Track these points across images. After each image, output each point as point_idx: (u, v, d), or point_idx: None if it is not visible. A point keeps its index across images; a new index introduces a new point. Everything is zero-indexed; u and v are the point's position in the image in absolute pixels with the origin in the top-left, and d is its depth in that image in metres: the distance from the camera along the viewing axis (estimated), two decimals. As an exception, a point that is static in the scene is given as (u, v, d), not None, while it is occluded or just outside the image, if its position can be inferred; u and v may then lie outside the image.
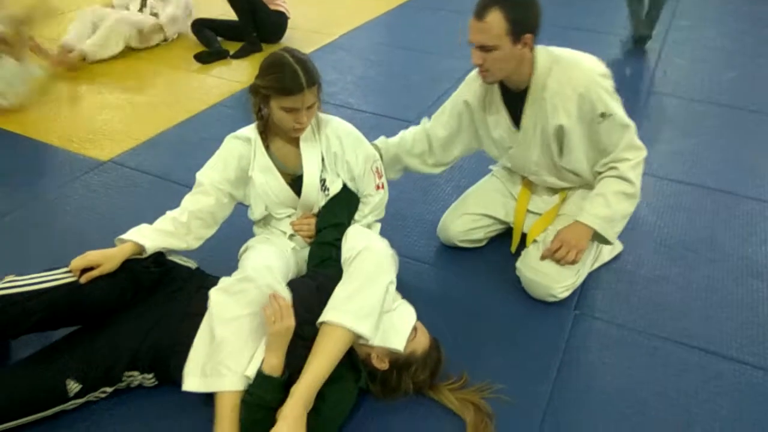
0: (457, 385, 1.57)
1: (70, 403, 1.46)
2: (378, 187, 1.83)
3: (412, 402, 1.54)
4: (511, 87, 1.79)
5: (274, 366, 1.38)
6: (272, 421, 1.33)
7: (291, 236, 1.79)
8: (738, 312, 1.86)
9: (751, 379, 1.64)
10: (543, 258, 1.82)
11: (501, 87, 1.83)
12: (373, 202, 1.83)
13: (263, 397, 1.36)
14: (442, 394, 1.55)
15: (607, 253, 2.03)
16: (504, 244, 2.07)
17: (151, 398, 1.54)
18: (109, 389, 1.51)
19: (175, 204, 1.68)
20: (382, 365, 1.50)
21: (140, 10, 3.76)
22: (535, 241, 1.90)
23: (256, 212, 1.79)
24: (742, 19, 4.68)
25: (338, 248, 1.63)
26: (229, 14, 3.76)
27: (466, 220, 2.04)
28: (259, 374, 1.37)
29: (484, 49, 1.65)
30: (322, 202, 1.77)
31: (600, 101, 1.70)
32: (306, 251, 1.76)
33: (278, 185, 1.73)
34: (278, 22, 3.82)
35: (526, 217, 2.01)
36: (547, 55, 1.74)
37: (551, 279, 1.81)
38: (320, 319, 1.45)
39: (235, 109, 3.05)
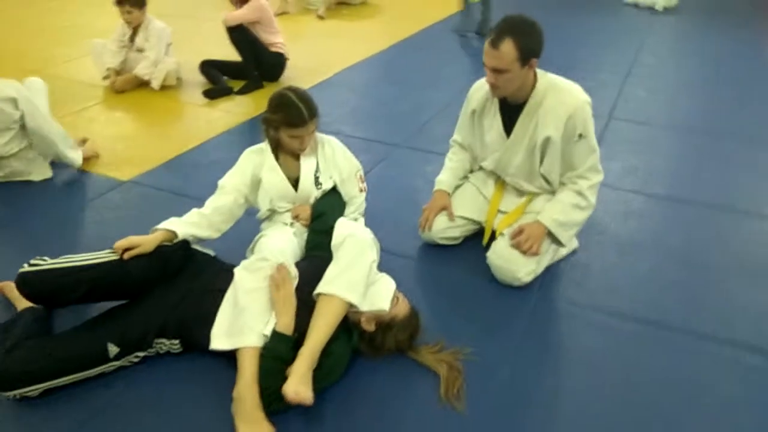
0: (435, 349, 1.85)
1: (109, 364, 1.74)
2: (361, 190, 2.27)
3: (395, 362, 1.82)
4: (510, 101, 2.14)
5: (286, 325, 1.69)
6: (284, 374, 1.61)
7: (291, 224, 2.15)
8: (677, 292, 2.17)
9: (686, 343, 1.94)
10: (511, 241, 2.13)
11: (501, 99, 2.17)
12: (357, 202, 2.25)
13: (278, 350, 1.65)
14: (421, 354, 1.84)
15: (565, 249, 2.35)
16: (476, 242, 2.38)
17: (177, 363, 1.82)
18: (141, 354, 1.79)
19: (183, 214, 1.99)
20: (370, 327, 1.80)
21: (131, 41, 4.07)
22: (502, 234, 2.22)
23: (263, 208, 2.16)
24: (704, 56, 5.13)
25: (330, 235, 1.96)
26: (234, 56, 4.15)
27: (444, 220, 2.36)
28: (274, 332, 1.68)
29: (497, 71, 1.99)
30: (317, 195, 2.16)
31: (581, 124, 2.06)
32: (304, 236, 2.10)
33: (281, 181, 2.13)
34: (278, 62, 4.22)
35: (496, 215, 2.34)
36: (546, 80, 2.10)
37: (515, 264, 2.12)
38: (316, 291, 1.76)
39: (240, 136, 3.41)
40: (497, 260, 2.16)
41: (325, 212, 2.11)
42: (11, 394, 1.65)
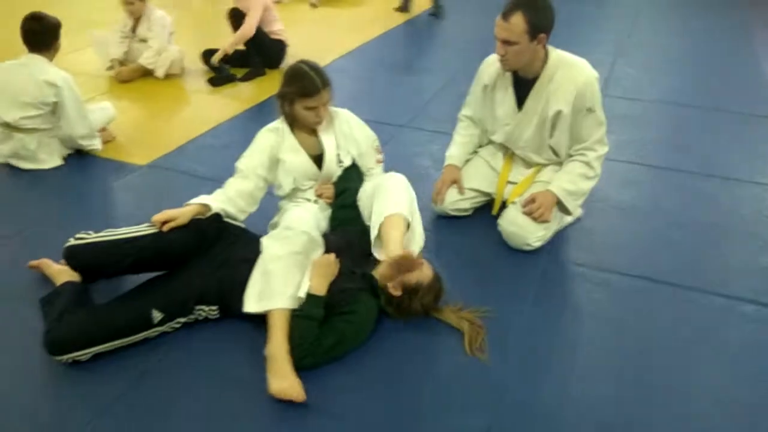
0: (456, 308, 1.99)
1: (153, 329, 1.85)
2: (378, 162, 2.36)
3: (421, 321, 1.96)
4: (522, 75, 2.24)
5: (318, 286, 1.82)
6: (315, 332, 1.75)
7: (315, 201, 2.24)
8: (674, 250, 2.33)
9: (684, 296, 2.10)
10: (523, 209, 2.26)
11: (513, 74, 2.27)
12: (375, 173, 2.33)
13: (309, 310, 1.78)
14: (444, 314, 1.97)
15: (571, 216, 2.49)
16: (485, 213, 2.51)
17: (216, 327, 1.93)
18: (182, 320, 1.90)
19: (205, 193, 2.08)
20: (397, 292, 1.92)
21: (132, 32, 4.14)
22: (513, 202, 2.35)
23: (285, 187, 2.23)
24: (690, 35, 5.31)
25: (356, 209, 2.08)
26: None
27: (455, 193, 2.49)
28: (308, 294, 1.80)
29: (506, 43, 2.08)
30: (338, 173, 2.25)
31: (590, 98, 2.17)
32: (327, 212, 2.21)
33: (305, 161, 2.20)
34: (279, 49, 4.32)
35: (506, 186, 2.47)
36: (557, 56, 2.20)
37: (526, 230, 2.26)
38: (378, 218, 1.96)
39: (249, 121, 3.51)
40: (509, 227, 2.29)
41: (348, 188, 2.21)
42: (64, 357, 1.75)
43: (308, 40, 5.03)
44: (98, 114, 3.12)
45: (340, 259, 1.92)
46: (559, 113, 2.21)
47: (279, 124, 2.21)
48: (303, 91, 2.07)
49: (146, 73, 4.13)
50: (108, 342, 1.79)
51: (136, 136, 3.30)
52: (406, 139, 3.26)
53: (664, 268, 2.23)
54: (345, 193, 2.21)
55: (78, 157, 3.05)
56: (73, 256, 1.83)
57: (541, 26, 2.07)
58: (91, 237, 1.85)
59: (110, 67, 4.12)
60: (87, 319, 1.80)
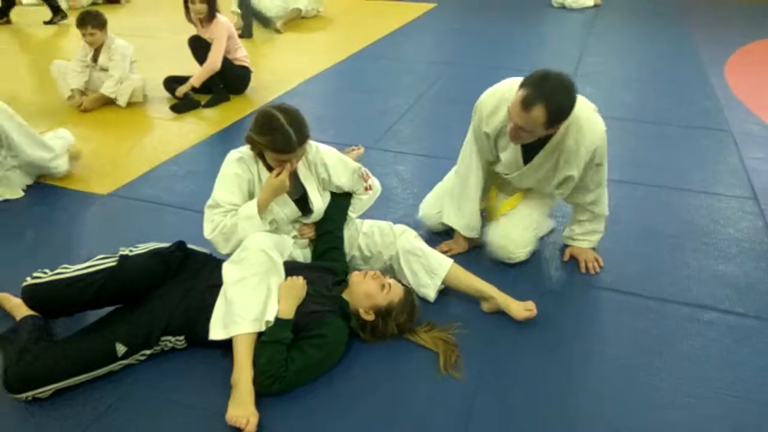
0: (428, 328, 1.99)
1: (117, 363, 1.81)
2: (367, 189, 2.29)
3: (391, 342, 1.95)
4: None
5: (285, 310, 1.81)
6: (283, 356, 1.74)
7: (294, 237, 2.17)
8: (637, 261, 2.39)
9: (647, 305, 2.15)
10: (583, 272, 2.34)
11: None
12: (363, 200, 2.30)
13: (275, 334, 1.76)
14: (418, 335, 1.97)
15: (545, 229, 2.54)
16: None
17: (182, 357, 1.89)
18: (148, 352, 1.86)
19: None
20: (369, 317, 1.92)
21: (93, 61, 4.07)
22: (504, 214, 2.37)
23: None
24: (640, 54, 5.52)
25: (339, 250, 2.15)
26: (196, 71, 4.20)
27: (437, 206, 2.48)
28: (276, 318, 1.79)
29: (521, 129, 1.94)
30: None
31: (599, 156, 2.10)
32: (306, 249, 2.20)
33: (290, 209, 2.11)
34: (243, 75, 4.32)
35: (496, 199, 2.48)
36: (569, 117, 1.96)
37: (518, 244, 2.31)
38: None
39: (214, 147, 3.49)
40: (501, 240, 2.32)
41: (330, 231, 2.18)
42: (23, 396, 1.69)
43: (273, 65, 5.06)
44: (55, 143, 3.07)
45: (309, 282, 1.92)
46: (568, 177, 2.15)
47: (247, 158, 2.02)
48: (274, 147, 1.89)
49: (108, 102, 4.08)
50: (70, 378, 1.74)
51: (97, 166, 3.25)
52: (372, 161, 3.28)
53: (627, 279, 2.29)
54: (328, 236, 2.18)
55: (38, 188, 2.98)
56: (31, 297, 1.79)
57: (561, 116, 1.92)
58: (48, 276, 1.81)
59: (71, 97, 4.06)
60: (48, 354, 1.74)
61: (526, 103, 1.87)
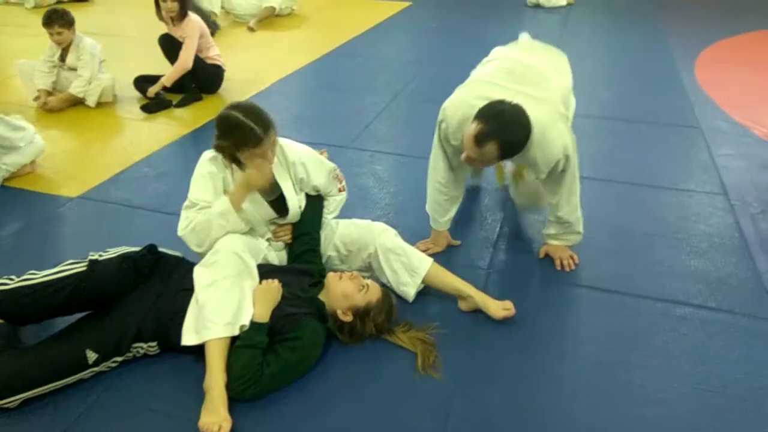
0: (406, 328, 1.98)
1: (88, 371, 1.76)
2: (340, 190, 2.31)
3: (369, 344, 1.94)
4: None
5: (261, 314, 1.78)
6: (258, 360, 1.71)
7: (268, 240, 2.15)
8: (611, 258, 2.42)
9: (622, 302, 2.17)
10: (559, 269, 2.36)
11: None
12: (337, 200, 2.31)
13: (251, 338, 1.74)
14: (396, 336, 1.96)
15: None
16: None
17: (155, 364, 1.85)
18: (119, 359, 1.81)
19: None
20: (347, 318, 1.90)
21: (61, 60, 3.97)
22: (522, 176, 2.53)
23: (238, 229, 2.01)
24: (612, 49, 5.59)
25: (315, 253, 2.14)
26: (167, 70, 4.12)
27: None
28: (251, 322, 1.76)
29: (475, 160, 2.00)
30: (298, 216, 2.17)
31: (564, 165, 2.09)
32: (282, 252, 2.17)
33: (264, 210, 2.08)
34: (215, 74, 4.25)
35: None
36: (533, 131, 1.95)
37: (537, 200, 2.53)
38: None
39: (186, 147, 3.42)
40: (525, 203, 2.64)
41: (307, 232, 2.16)
42: (-11, 407, 1.64)
43: (247, 63, 4.99)
44: (27, 148, 2.99)
45: (284, 284, 1.89)
46: (536, 178, 2.28)
47: (224, 170, 2.00)
48: (242, 144, 1.87)
49: (77, 102, 3.98)
50: (38, 387, 1.69)
51: (66, 168, 3.17)
52: (348, 160, 3.25)
53: (602, 276, 2.31)
54: (304, 237, 2.15)
55: (4, 190, 2.89)
56: (-3, 305, 1.73)
57: (515, 151, 1.97)
58: (14, 282, 1.76)
59: (37, 98, 3.95)
60: (15, 363, 1.69)
61: (479, 139, 1.89)
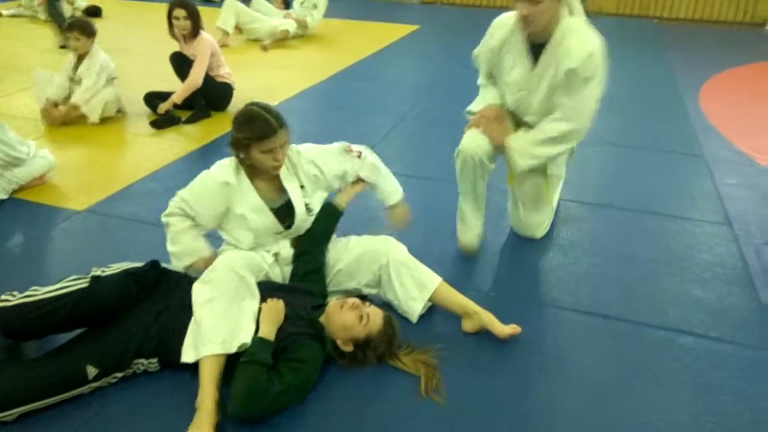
0: (408, 350, 1.97)
1: (87, 386, 1.75)
2: (359, 156, 2.24)
3: (373, 366, 1.92)
4: (534, 39, 2.23)
5: (267, 332, 1.78)
6: (264, 377, 1.69)
7: (274, 254, 2.13)
8: (614, 285, 2.41)
9: (624, 329, 2.16)
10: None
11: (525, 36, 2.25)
12: (366, 166, 2.26)
13: (256, 355, 1.73)
14: (398, 359, 1.94)
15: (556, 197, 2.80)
16: (437, 238, 2.54)
17: (153, 381, 1.85)
18: (119, 375, 1.81)
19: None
20: (348, 348, 1.89)
21: (74, 71, 4.02)
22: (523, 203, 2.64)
23: (244, 243, 2.07)
24: (619, 79, 5.61)
25: (319, 273, 2.13)
26: (178, 87, 4.16)
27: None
28: (258, 338, 1.76)
29: (532, 2, 2.08)
30: (308, 224, 2.17)
31: (594, 67, 2.20)
32: (287, 268, 2.16)
33: (270, 221, 2.08)
34: (224, 92, 4.30)
35: None
36: (567, 23, 2.19)
37: (534, 230, 2.65)
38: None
39: (194, 163, 3.45)
40: (522, 229, 2.69)
41: (310, 251, 2.15)
42: (-12, 420, 1.64)
43: (258, 82, 5.05)
44: (37, 162, 3.03)
45: (287, 304, 1.89)
46: (570, 71, 2.20)
47: (232, 177, 2.01)
48: (258, 134, 1.92)
49: (82, 117, 4.01)
50: (37, 401, 1.68)
51: (73, 181, 3.20)
52: (353, 180, 3.27)
53: (604, 303, 2.30)
54: (308, 256, 2.14)
55: (11, 202, 2.92)
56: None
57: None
58: (16, 298, 1.77)
59: (45, 108, 3.99)
60: (15, 376, 1.69)
61: None
